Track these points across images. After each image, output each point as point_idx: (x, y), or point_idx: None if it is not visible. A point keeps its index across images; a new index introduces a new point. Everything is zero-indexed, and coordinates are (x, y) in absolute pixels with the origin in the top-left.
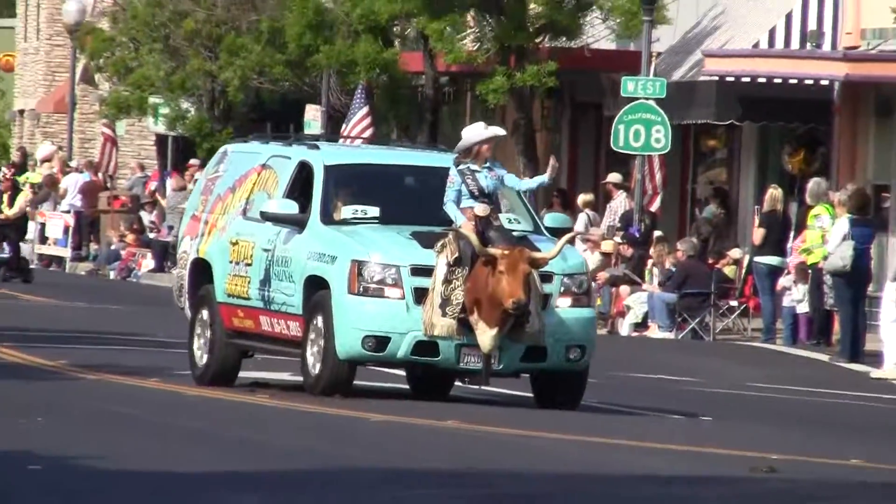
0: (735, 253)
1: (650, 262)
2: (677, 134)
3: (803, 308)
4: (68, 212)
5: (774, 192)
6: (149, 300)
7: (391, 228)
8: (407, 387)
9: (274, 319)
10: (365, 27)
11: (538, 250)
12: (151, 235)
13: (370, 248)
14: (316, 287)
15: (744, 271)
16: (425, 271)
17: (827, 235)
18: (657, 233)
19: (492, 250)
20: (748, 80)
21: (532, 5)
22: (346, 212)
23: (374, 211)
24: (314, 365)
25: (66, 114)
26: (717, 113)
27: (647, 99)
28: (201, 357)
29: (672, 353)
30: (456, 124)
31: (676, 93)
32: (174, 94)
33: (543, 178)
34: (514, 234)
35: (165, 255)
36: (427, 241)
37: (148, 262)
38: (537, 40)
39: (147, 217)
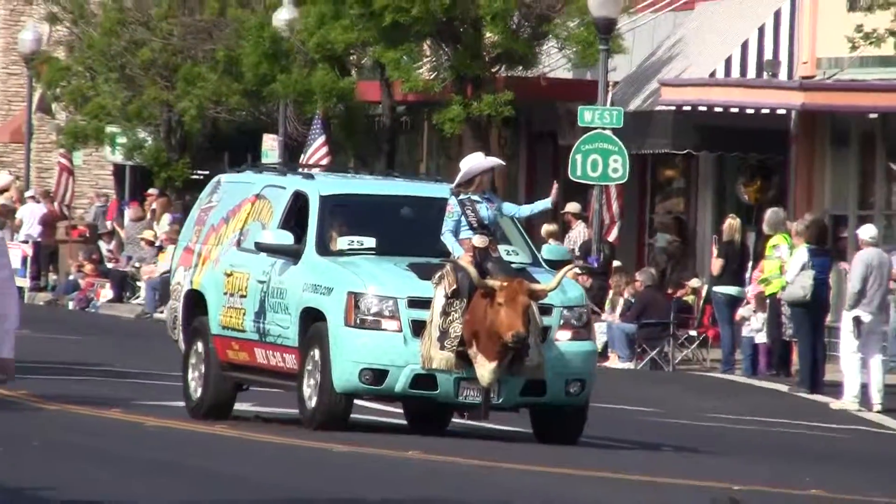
0: (693, 283)
1: (611, 292)
2: (634, 164)
3: (762, 338)
4: (26, 242)
5: (732, 222)
6: (108, 330)
7: (388, 259)
8: (404, 421)
9: (269, 352)
10: (321, 56)
11: (537, 282)
12: (110, 265)
13: (367, 280)
14: (312, 319)
15: (702, 301)
16: (423, 303)
17: (785, 265)
18: (616, 263)
19: (490, 282)
20: (705, 109)
21: (488, 34)
22: (341, 242)
23: (370, 242)
24: (310, 398)
25: (23, 143)
26: (673, 142)
27: (603, 128)
28: (196, 390)
29: (631, 384)
30: (412, 153)
31: (633, 122)
32: (131, 124)
33: (546, 202)
34: (513, 265)
35: (124, 285)
36: (425, 273)
37: (106, 293)
38: (493, 69)
39: (105, 247)
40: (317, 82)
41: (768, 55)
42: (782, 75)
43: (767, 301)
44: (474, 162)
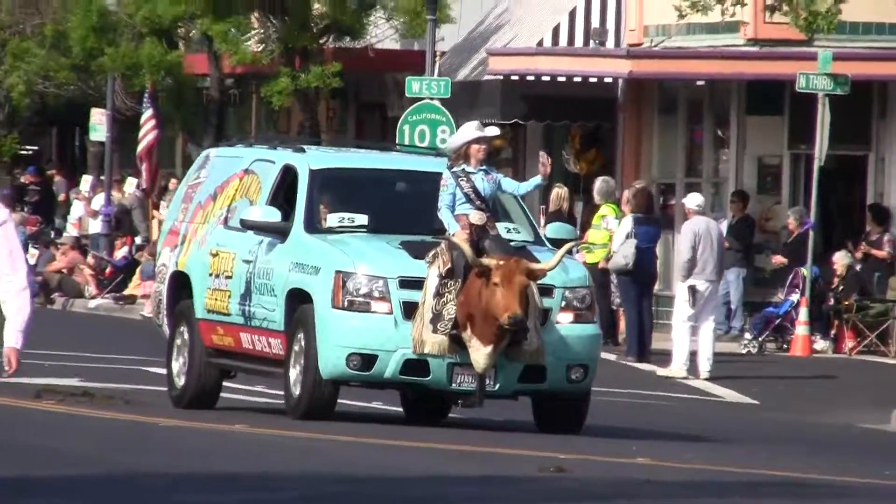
0: None
1: None
2: None
3: None
4: None
5: (560, 191)
6: None
7: (379, 237)
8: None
9: (255, 336)
10: (149, 30)
11: (537, 261)
12: None
13: (356, 259)
14: (299, 301)
15: None
16: (415, 284)
17: (613, 235)
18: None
19: (486, 261)
20: (532, 78)
21: (316, 6)
22: (331, 220)
23: (361, 219)
24: (296, 385)
25: None
26: (502, 112)
27: (431, 99)
28: (179, 378)
29: None
30: (242, 126)
31: (461, 92)
32: None
33: (538, 179)
34: (512, 244)
35: None
36: (417, 252)
37: None
38: (321, 41)
39: None
40: (145, 56)
41: (595, 23)
42: (609, 43)
43: (591, 270)
44: (462, 133)
